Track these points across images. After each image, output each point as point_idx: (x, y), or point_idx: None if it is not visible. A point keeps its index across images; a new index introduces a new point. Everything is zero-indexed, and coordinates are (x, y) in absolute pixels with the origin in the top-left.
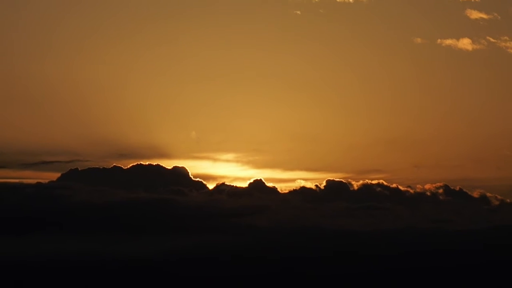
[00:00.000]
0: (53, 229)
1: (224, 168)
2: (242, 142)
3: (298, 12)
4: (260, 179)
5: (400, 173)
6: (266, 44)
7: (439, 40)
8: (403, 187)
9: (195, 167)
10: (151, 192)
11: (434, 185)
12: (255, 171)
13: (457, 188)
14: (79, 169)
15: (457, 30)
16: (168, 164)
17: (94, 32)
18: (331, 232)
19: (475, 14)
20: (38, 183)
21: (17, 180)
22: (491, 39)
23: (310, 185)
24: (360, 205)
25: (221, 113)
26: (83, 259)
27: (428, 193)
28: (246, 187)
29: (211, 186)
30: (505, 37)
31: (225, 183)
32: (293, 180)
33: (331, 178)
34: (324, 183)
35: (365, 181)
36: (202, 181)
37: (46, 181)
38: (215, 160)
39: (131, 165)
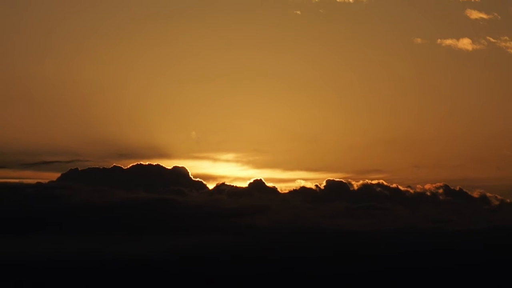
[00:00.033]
0: (53, 229)
1: (224, 168)
2: (242, 142)
3: (298, 12)
4: (260, 179)
5: (400, 173)
6: (266, 44)
7: (439, 40)
8: (403, 187)
9: (195, 167)
10: (151, 192)
11: (434, 185)
12: (255, 171)
13: (457, 188)
14: (79, 169)
15: (457, 30)
16: (168, 164)
17: (94, 32)
18: (331, 232)
19: (475, 14)
20: (38, 183)
21: (17, 180)
22: (491, 39)
23: (310, 185)
24: (360, 205)
25: (221, 113)
26: (83, 259)
27: (428, 193)
28: (246, 187)
29: (211, 186)
30: (505, 37)
31: (225, 183)
32: (293, 180)
33: (331, 178)
34: (324, 183)
35: (365, 181)
36: (202, 181)
37: (46, 181)
38: (215, 160)
39: (131, 165)
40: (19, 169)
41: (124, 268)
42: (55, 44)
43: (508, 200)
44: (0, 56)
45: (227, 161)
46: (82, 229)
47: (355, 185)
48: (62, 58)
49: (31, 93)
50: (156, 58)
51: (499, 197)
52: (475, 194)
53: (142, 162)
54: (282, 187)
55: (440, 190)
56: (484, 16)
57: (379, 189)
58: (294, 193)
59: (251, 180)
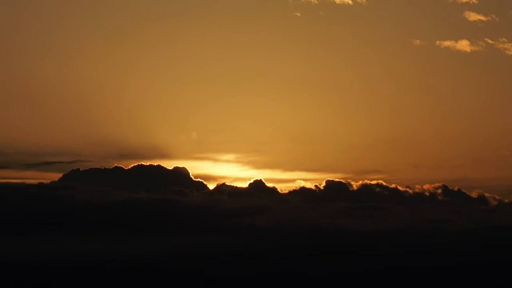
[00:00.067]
0: (55, 229)
1: (225, 169)
2: (242, 142)
3: (298, 14)
4: (260, 180)
5: (399, 174)
6: (266, 45)
7: (437, 42)
8: (402, 187)
9: (196, 168)
10: (152, 192)
11: (433, 185)
12: (255, 172)
13: (456, 188)
14: (81, 170)
15: (456, 32)
16: (169, 164)
17: (94, 32)
18: (331, 232)
19: (473, 16)
20: (40, 184)
21: (19, 181)
22: (489, 41)
23: (310, 185)
24: (359, 205)
25: (222, 114)
26: (84, 259)
27: (427, 193)
28: (246, 188)
29: (211, 186)
30: (503, 39)
31: (226, 183)
32: (293, 180)
33: (331, 179)
34: (323, 184)
35: (364, 182)
36: (203, 181)
37: (48, 181)
38: (215, 160)
39: (132, 165)
40: (21, 169)
41: (124, 268)
42: (55, 44)
43: (507, 200)
44: (0, 56)
45: (228, 161)
46: (84, 229)
47: (355, 185)
48: (62, 58)
49: (32, 94)
50: (156, 58)
51: (497, 197)
52: (473, 194)
53: (143, 163)
54: (282, 187)
55: (439, 191)
56: (482, 18)
57: (378, 189)
58: (294, 193)
59: (251, 181)
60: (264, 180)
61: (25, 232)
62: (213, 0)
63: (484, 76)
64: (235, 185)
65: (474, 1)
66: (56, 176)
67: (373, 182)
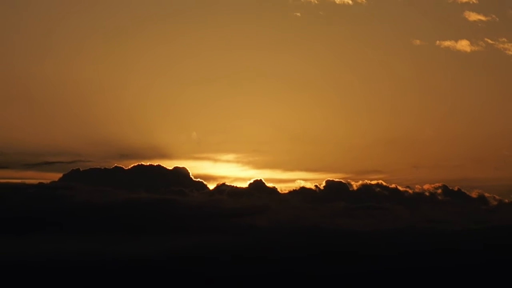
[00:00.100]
0: (55, 229)
1: (225, 169)
2: (242, 142)
3: (298, 14)
4: (260, 180)
5: (399, 174)
6: (266, 45)
7: (437, 42)
8: (402, 187)
9: (196, 168)
10: (152, 192)
11: (432, 185)
12: (255, 172)
13: (456, 189)
14: (81, 170)
15: (456, 32)
16: (169, 164)
17: (94, 32)
18: (331, 232)
19: (473, 16)
20: (40, 184)
21: (19, 181)
22: (489, 41)
23: (310, 185)
24: (359, 205)
25: (222, 114)
26: (83, 259)
27: (427, 194)
28: (246, 188)
29: (211, 186)
30: (503, 39)
31: (226, 183)
32: (293, 180)
33: (331, 179)
34: (323, 184)
35: (364, 182)
36: (203, 181)
37: (48, 181)
38: (215, 160)
39: (132, 165)
40: (21, 169)
41: (124, 268)
42: (55, 44)
43: (507, 200)
44: (0, 56)
45: (228, 161)
46: (84, 229)
47: (355, 185)
48: (62, 58)
49: (32, 94)
50: (156, 58)
51: (497, 197)
52: (473, 194)
53: (143, 163)
54: (282, 187)
55: (439, 191)
56: (482, 18)
57: (378, 189)
58: (294, 193)
59: (251, 181)
60: (264, 180)
61: (25, 232)
62: (213, 0)
63: (484, 76)
64: (235, 185)
65: (474, 1)
66: (56, 176)
67: (373, 182)
